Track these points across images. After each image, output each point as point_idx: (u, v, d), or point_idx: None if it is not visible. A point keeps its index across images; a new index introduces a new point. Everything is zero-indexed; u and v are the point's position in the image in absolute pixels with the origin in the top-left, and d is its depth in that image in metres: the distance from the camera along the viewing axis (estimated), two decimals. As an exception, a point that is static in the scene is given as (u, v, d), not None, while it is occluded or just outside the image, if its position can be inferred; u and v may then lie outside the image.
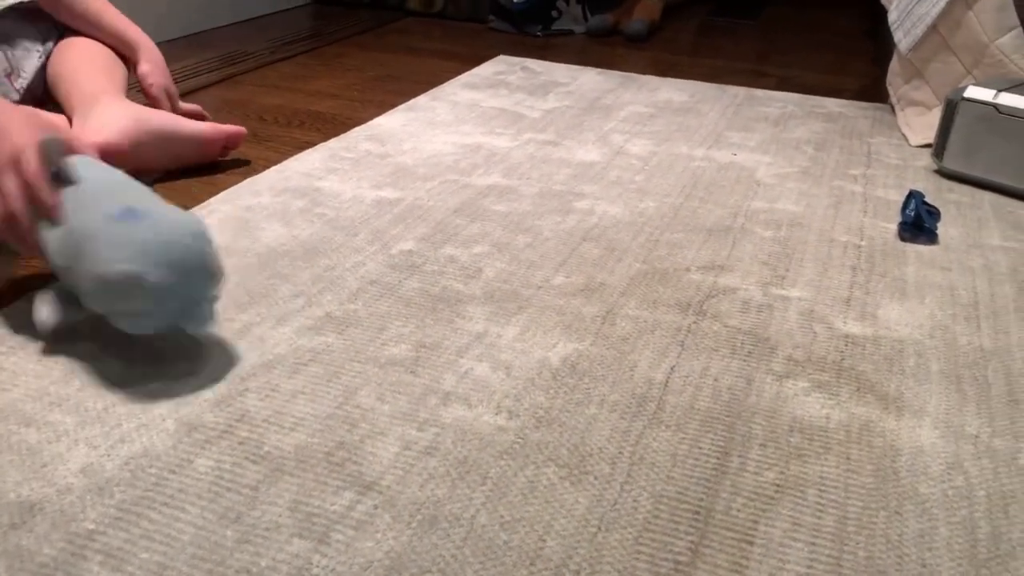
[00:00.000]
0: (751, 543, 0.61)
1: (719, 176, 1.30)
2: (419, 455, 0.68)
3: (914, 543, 0.62)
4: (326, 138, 1.40)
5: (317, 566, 0.58)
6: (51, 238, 0.76)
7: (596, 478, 0.67)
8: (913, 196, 1.14)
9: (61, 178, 0.78)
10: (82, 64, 1.21)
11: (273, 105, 1.59)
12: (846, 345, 0.86)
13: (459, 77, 1.80)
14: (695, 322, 0.90)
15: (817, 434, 0.73)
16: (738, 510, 0.64)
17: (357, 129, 1.45)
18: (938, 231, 1.12)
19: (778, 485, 0.67)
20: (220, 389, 0.75)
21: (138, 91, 1.30)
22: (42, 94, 1.24)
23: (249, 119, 1.50)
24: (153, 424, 0.71)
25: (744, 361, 0.83)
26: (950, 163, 1.31)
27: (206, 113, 1.35)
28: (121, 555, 0.58)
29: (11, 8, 1.22)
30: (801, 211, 1.19)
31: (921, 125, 1.49)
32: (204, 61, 1.87)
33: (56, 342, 0.81)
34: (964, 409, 0.77)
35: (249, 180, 1.21)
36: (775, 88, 1.81)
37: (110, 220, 0.72)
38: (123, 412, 0.72)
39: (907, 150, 1.45)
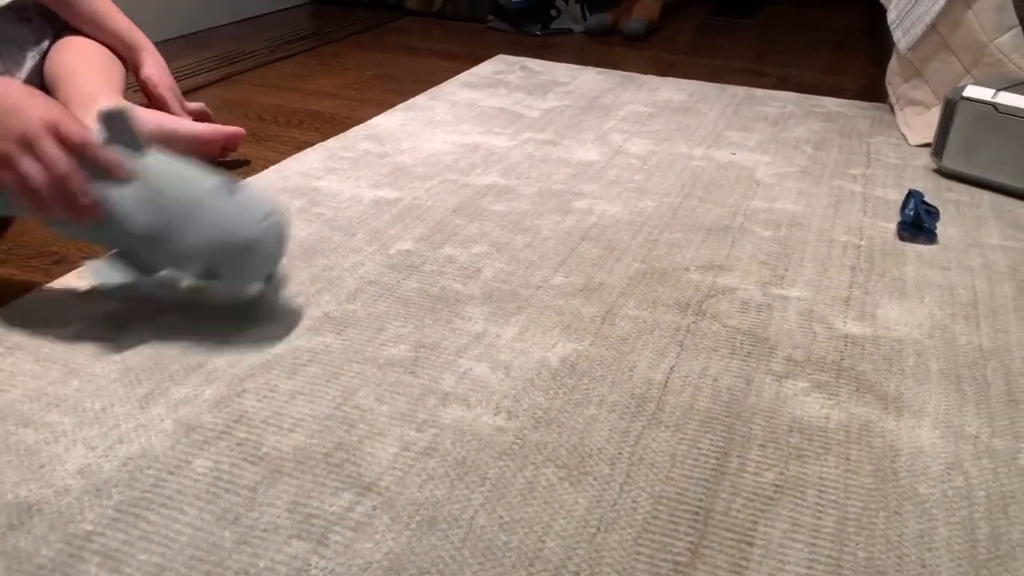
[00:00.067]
0: (751, 544, 0.61)
1: (718, 175, 1.30)
2: (418, 456, 0.68)
3: (914, 543, 0.62)
4: (324, 138, 1.40)
5: (316, 567, 0.58)
6: (128, 200, 0.78)
7: (595, 479, 0.67)
8: (912, 195, 1.14)
9: (126, 146, 0.80)
10: (80, 64, 1.21)
11: (272, 105, 1.59)
12: (845, 345, 0.86)
13: (458, 76, 1.80)
14: (694, 322, 0.89)
15: (817, 434, 0.73)
16: (737, 511, 0.64)
17: (356, 129, 1.45)
18: (937, 230, 1.12)
19: (777, 486, 0.67)
20: (218, 390, 0.75)
21: (135, 91, 1.30)
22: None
23: (248, 119, 1.50)
24: (151, 425, 0.71)
25: (743, 361, 0.83)
26: (949, 162, 1.31)
27: (210, 112, 1.35)
28: (119, 556, 0.58)
29: (6, 7, 1.22)
30: (800, 211, 1.19)
31: (920, 124, 1.49)
32: (203, 60, 1.86)
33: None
34: (964, 409, 0.77)
35: (248, 180, 1.21)
36: (774, 87, 1.81)
37: (213, 190, 0.80)
38: (121, 413, 0.72)
39: (906, 149, 1.45)
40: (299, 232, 1.06)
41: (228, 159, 1.29)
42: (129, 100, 1.20)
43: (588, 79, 1.82)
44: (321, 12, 2.44)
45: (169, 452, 0.68)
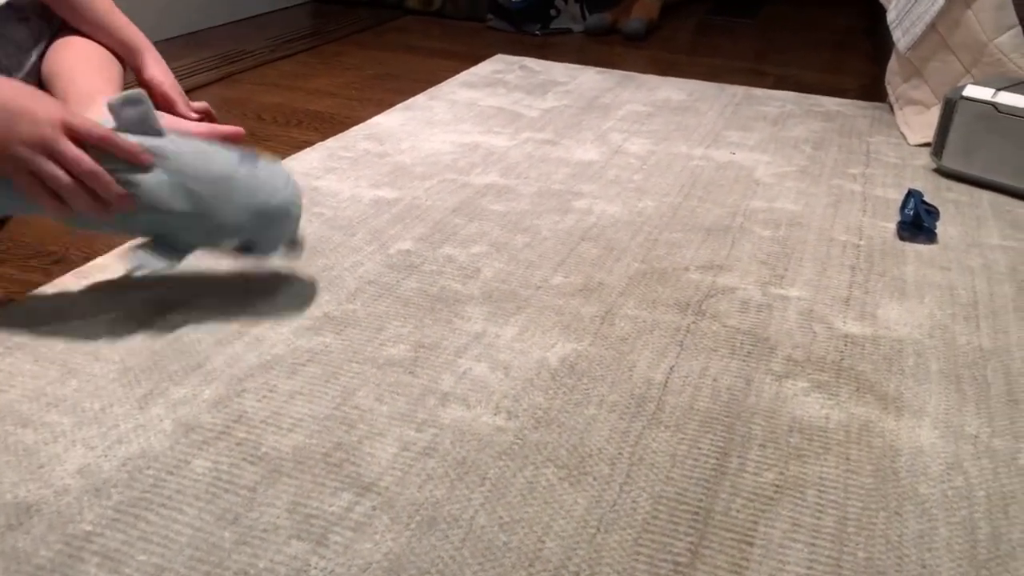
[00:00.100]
0: (751, 544, 0.61)
1: (718, 175, 1.30)
2: (418, 456, 0.68)
3: (914, 544, 0.62)
4: (324, 137, 1.40)
5: (315, 568, 0.58)
6: (160, 185, 0.80)
7: (595, 479, 0.67)
8: (912, 195, 1.14)
9: (143, 132, 0.82)
10: (78, 63, 1.21)
11: (272, 104, 1.59)
12: (845, 345, 0.86)
13: (457, 76, 1.80)
14: (694, 322, 0.89)
15: (816, 434, 0.73)
16: (737, 511, 0.64)
17: (355, 128, 1.45)
18: (937, 230, 1.12)
19: (777, 486, 0.67)
20: (218, 390, 0.75)
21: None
22: None
23: (247, 118, 1.50)
24: (150, 425, 0.71)
25: (743, 361, 0.83)
26: (949, 162, 1.31)
27: (213, 111, 1.35)
28: (118, 557, 0.58)
29: (5, 6, 1.22)
30: (800, 210, 1.18)
31: (920, 124, 1.49)
32: (203, 60, 1.86)
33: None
34: (964, 409, 0.77)
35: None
36: (773, 87, 1.81)
37: (237, 164, 0.83)
38: (120, 413, 0.72)
39: (906, 149, 1.44)
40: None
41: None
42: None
43: (587, 79, 1.82)
44: (321, 11, 2.44)
45: (168, 452, 0.68)
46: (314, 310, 0.88)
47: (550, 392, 0.77)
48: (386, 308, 0.90)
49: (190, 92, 1.61)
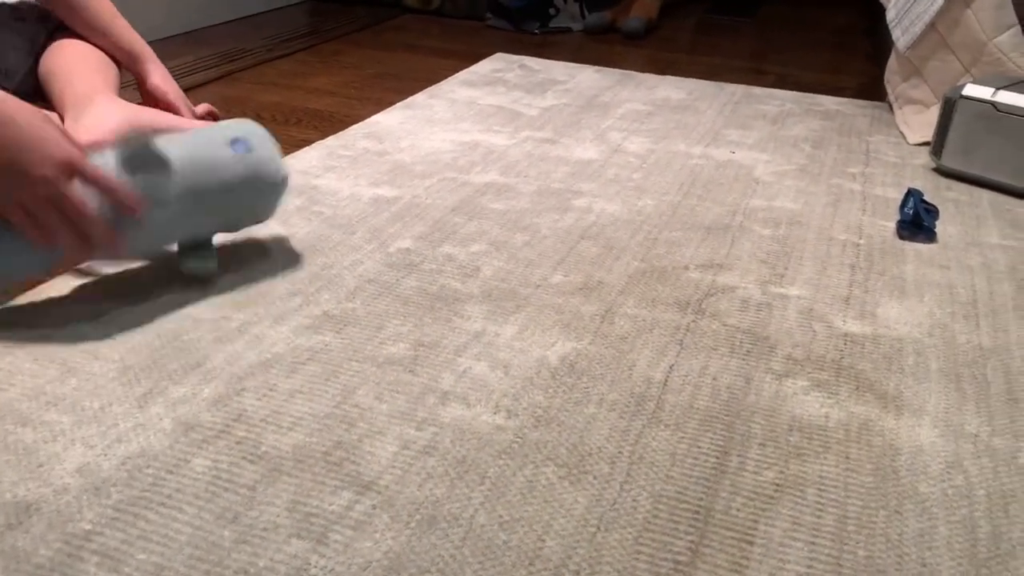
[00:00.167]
0: (751, 543, 0.61)
1: (717, 174, 1.30)
2: (417, 454, 0.68)
3: (914, 542, 0.62)
4: (324, 136, 1.40)
5: (315, 566, 0.58)
6: (153, 226, 0.84)
7: (595, 477, 0.67)
8: (912, 194, 1.14)
9: (148, 164, 0.85)
10: (76, 65, 1.21)
11: (271, 103, 1.59)
12: (845, 344, 0.86)
13: (457, 75, 1.80)
14: (694, 321, 0.89)
15: (816, 433, 0.73)
16: (738, 509, 0.64)
17: (355, 127, 1.44)
18: (937, 229, 1.12)
19: (778, 484, 0.67)
20: (217, 388, 0.75)
21: (129, 87, 1.30)
22: (32, 93, 1.23)
23: (247, 116, 1.50)
24: (150, 424, 0.70)
25: (743, 360, 0.83)
26: (948, 161, 1.31)
27: (217, 112, 1.35)
28: (118, 556, 0.58)
29: (3, 6, 1.22)
30: (800, 209, 1.18)
31: (919, 123, 1.49)
32: (202, 58, 1.86)
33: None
34: (963, 408, 0.77)
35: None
36: (773, 86, 1.81)
37: (234, 161, 0.89)
38: (120, 411, 0.72)
39: (905, 148, 1.44)
40: (298, 230, 1.06)
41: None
42: (125, 99, 1.20)
43: (587, 77, 1.82)
44: (320, 10, 2.44)
45: (168, 451, 0.68)
46: (314, 309, 0.88)
47: (550, 391, 0.77)
48: (386, 307, 0.90)
49: (190, 90, 1.61)
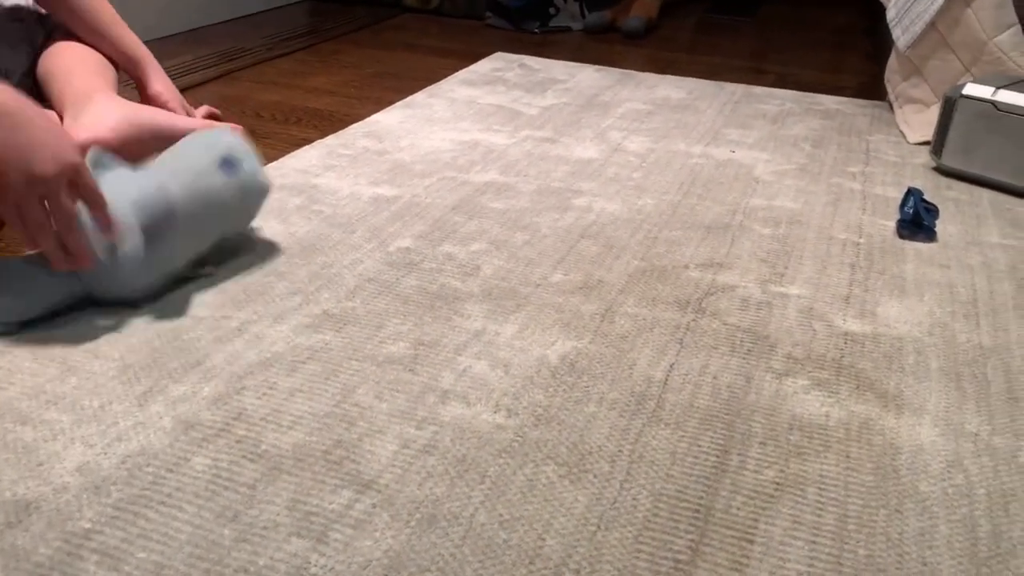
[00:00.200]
0: (751, 541, 0.61)
1: (717, 173, 1.30)
2: (417, 453, 0.68)
3: (914, 541, 0.62)
4: (323, 135, 1.40)
5: (315, 565, 0.57)
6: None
7: (595, 476, 0.67)
8: (912, 193, 1.14)
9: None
10: (75, 65, 1.21)
11: (270, 102, 1.59)
12: (845, 343, 0.86)
13: (456, 74, 1.79)
14: (694, 320, 0.89)
15: (817, 432, 0.73)
16: (738, 508, 0.64)
17: (354, 126, 1.44)
18: (937, 228, 1.12)
19: (778, 483, 0.67)
20: (217, 387, 0.75)
21: (126, 86, 1.30)
22: (29, 93, 1.23)
23: (246, 115, 1.50)
24: (150, 422, 0.70)
25: (743, 359, 0.83)
26: (948, 160, 1.31)
27: (218, 112, 1.35)
28: (118, 554, 0.58)
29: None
30: (800, 208, 1.18)
31: (919, 122, 1.49)
32: (201, 57, 1.86)
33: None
34: (964, 407, 0.77)
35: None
36: (773, 85, 1.81)
37: (224, 187, 0.91)
38: (119, 410, 0.72)
39: (905, 147, 1.44)
40: (298, 229, 1.06)
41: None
42: (123, 97, 1.19)
43: (586, 77, 1.82)
44: (319, 9, 2.44)
45: (168, 450, 0.67)
46: (313, 307, 0.88)
47: (550, 390, 0.77)
48: (386, 306, 0.89)
49: (189, 90, 1.61)
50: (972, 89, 1.27)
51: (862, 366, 0.82)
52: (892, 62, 1.60)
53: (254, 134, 1.40)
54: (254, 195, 0.96)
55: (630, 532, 0.61)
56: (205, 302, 0.88)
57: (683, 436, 0.72)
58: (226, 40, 2.02)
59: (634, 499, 0.65)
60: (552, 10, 2.27)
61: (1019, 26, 1.33)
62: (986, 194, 1.26)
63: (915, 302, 0.95)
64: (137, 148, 1.16)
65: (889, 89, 1.62)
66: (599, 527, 0.62)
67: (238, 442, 0.69)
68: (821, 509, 0.64)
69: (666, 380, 0.79)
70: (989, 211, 1.20)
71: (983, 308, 0.94)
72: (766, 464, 0.69)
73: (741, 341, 0.86)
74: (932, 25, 1.43)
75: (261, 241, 1.02)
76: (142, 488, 0.63)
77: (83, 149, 0.91)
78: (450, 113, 1.53)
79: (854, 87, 1.83)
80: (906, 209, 1.12)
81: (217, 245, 0.98)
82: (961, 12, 1.38)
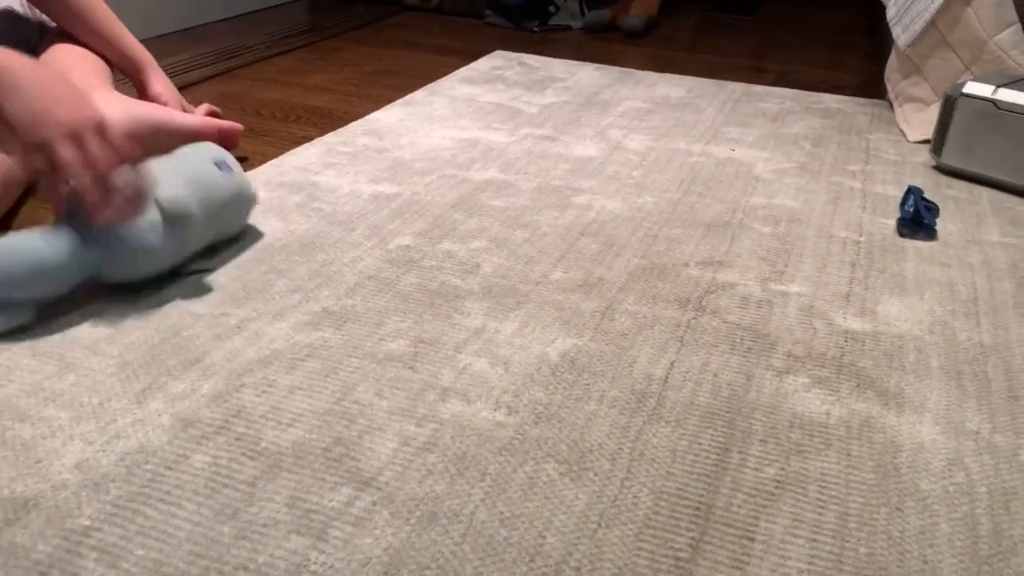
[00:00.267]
0: (752, 539, 0.61)
1: (717, 172, 1.30)
2: (417, 451, 0.68)
3: (915, 539, 0.62)
4: (323, 133, 1.40)
5: (315, 563, 0.57)
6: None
7: (596, 474, 0.66)
8: (912, 192, 1.14)
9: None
10: (72, 65, 1.21)
11: (270, 99, 1.59)
12: (846, 341, 0.86)
13: (456, 72, 1.79)
14: (694, 318, 0.89)
15: (817, 430, 0.73)
16: (739, 506, 0.64)
17: (354, 124, 1.44)
18: (937, 227, 1.12)
19: (779, 481, 0.67)
20: (217, 384, 0.75)
21: (123, 84, 1.29)
22: None
23: (246, 113, 1.50)
24: (149, 420, 0.70)
25: (744, 357, 0.83)
26: (948, 159, 1.31)
27: (219, 110, 1.35)
28: (117, 552, 0.58)
29: None
30: (800, 207, 1.18)
31: (919, 121, 1.49)
32: (200, 55, 1.86)
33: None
34: (964, 405, 0.77)
35: (246, 175, 1.21)
36: (773, 84, 1.81)
37: (229, 184, 0.95)
38: (118, 407, 0.71)
39: (905, 146, 1.44)
40: (297, 227, 1.05)
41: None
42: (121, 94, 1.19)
43: (586, 75, 1.81)
44: (319, 7, 2.44)
45: (167, 447, 0.67)
46: (313, 305, 0.88)
47: (550, 387, 0.77)
48: (385, 303, 0.89)
49: (188, 87, 1.61)
50: (972, 88, 1.27)
51: (863, 364, 0.82)
52: (892, 61, 1.60)
53: (253, 132, 1.40)
54: (246, 198, 0.99)
55: (631, 530, 0.61)
56: (204, 299, 0.88)
57: (684, 434, 0.72)
58: (225, 38, 2.02)
59: (635, 497, 0.64)
60: (552, 8, 2.27)
61: (1019, 25, 1.33)
62: (986, 192, 1.26)
63: (915, 300, 0.94)
64: (137, 145, 1.15)
65: (889, 88, 1.62)
66: (600, 525, 0.62)
67: (237, 439, 0.68)
68: (822, 507, 0.64)
69: (666, 378, 0.79)
70: (989, 210, 1.20)
71: (983, 306, 0.94)
72: (767, 462, 0.69)
73: (741, 339, 0.86)
74: (932, 24, 1.43)
75: (260, 239, 1.02)
76: (141, 485, 0.63)
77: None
78: (450, 111, 1.53)
79: (854, 86, 1.83)
80: (906, 207, 1.12)
81: (214, 245, 0.98)
82: (961, 11, 1.38)
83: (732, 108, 1.62)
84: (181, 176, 0.90)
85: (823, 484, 0.67)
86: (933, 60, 1.46)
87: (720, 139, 1.44)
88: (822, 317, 0.90)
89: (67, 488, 0.63)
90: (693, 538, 0.61)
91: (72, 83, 0.85)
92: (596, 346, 0.83)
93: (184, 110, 1.28)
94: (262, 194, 1.14)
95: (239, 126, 1.28)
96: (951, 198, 1.23)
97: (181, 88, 1.39)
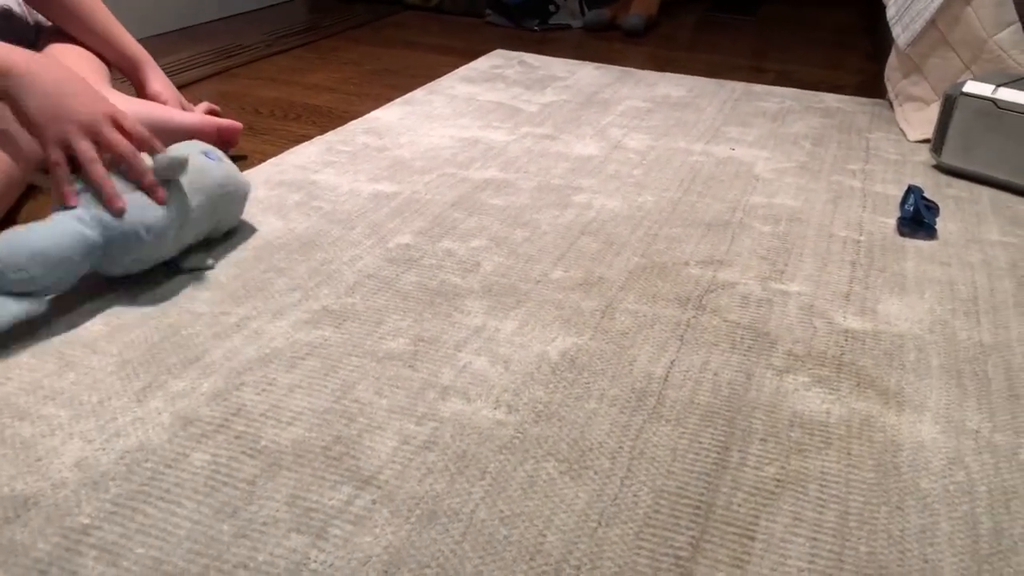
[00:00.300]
0: (752, 538, 0.61)
1: (717, 171, 1.30)
2: (417, 449, 0.68)
3: (916, 538, 0.62)
4: (323, 131, 1.39)
5: (315, 561, 0.57)
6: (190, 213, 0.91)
7: (596, 473, 0.66)
8: (912, 191, 1.14)
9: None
10: (71, 64, 1.21)
11: (269, 98, 1.59)
12: (846, 340, 0.86)
13: (456, 71, 1.79)
14: (694, 316, 0.89)
15: (818, 429, 0.73)
16: (739, 505, 0.64)
17: (354, 122, 1.44)
18: (937, 226, 1.11)
19: (779, 480, 0.67)
20: (216, 383, 0.75)
21: (120, 81, 1.29)
22: None
23: (245, 112, 1.50)
24: (149, 418, 0.70)
25: (744, 356, 0.83)
26: (948, 158, 1.31)
27: (218, 108, 1.35)
28: (116, 550, 0.57)
29: None
30: (800, 206, 1.18)
31: (919, 120, 1.49)
32: (199, 54, 1.86)
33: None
34: (965, 404, 0.77)
35: (245, 173, 1.21)
36: (773, 83, 1.81)
37: (216, 169, 0.95)
38: (118, 406, 0.71)
39: (905, 145, 1.44)
40: (297, 225, 1.05)
41: (227, 155, 1.28)
42: (121, 92, 1.19)
43: (586, 74, 1.81)
44: (318, 6, 2.43)
45: (167, 445, 0.67)
46: (313, 304, 0.88)
47: (550, 386, 0.77)
48: (385, 302, 0.89)
49: (187, 86, 1.61)
50: (972, 87, 1.27)
51: (863, 363, 0.82)
52: (892, 60, 1.60)
53: (253, 130, 1.40)
54: (240, 185, 0.99)
55: (631, 528, 0.61)
56: (204, 298, 0.88)
57: (684, 433, 0.71)
58: (225, 36, 2.02)
59: (635, 495, 0.64)
60: (552, 8, 2.27)
61: (1019, 24, 1.33)
62: (986, 192, 1.26)
63: (915, 299, 0.94)
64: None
65: (889, 87, 1.62)
66: (600, 523, 0.62)
67: (237, 438, 0.68)
68: (822, 506, 0.64)
69: (667, 377, 0.79)
70: (989, 209, 1.20)
71: (983, 305, 0.94)
72: (767, 461, 0.69)
73: (741, 338, 0.86)
74: (932, 23, 1.43)
75: (260, 237, 1.02)
76: (141, 484, 0.63)
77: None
78: (450, 110, 1.53)
79: (854, 85, 1.83)
80: (906, 207, 1.12)
81: (213, 240, 0.98)
82: (961, 10, 1.38)
83: (732, 107, 1.62)
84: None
85: (823, 483, 0.66)
86: (933, 59, 1.46)
87: (720, 138, 1.44)
88: (822, 316, 0.90)
89: (67, 486, 0.63)
90: (693, 537, 0.61)
91: (83, 78, 0.87)
92: (596, 345, 0.83)
93: (183, 109, 1.27)
94: (262, 192, 1.14)
95: (238, 124, 1.28)
96: (951, 197, 1.23)
97: (180, 87, 1.39)
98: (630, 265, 0.99)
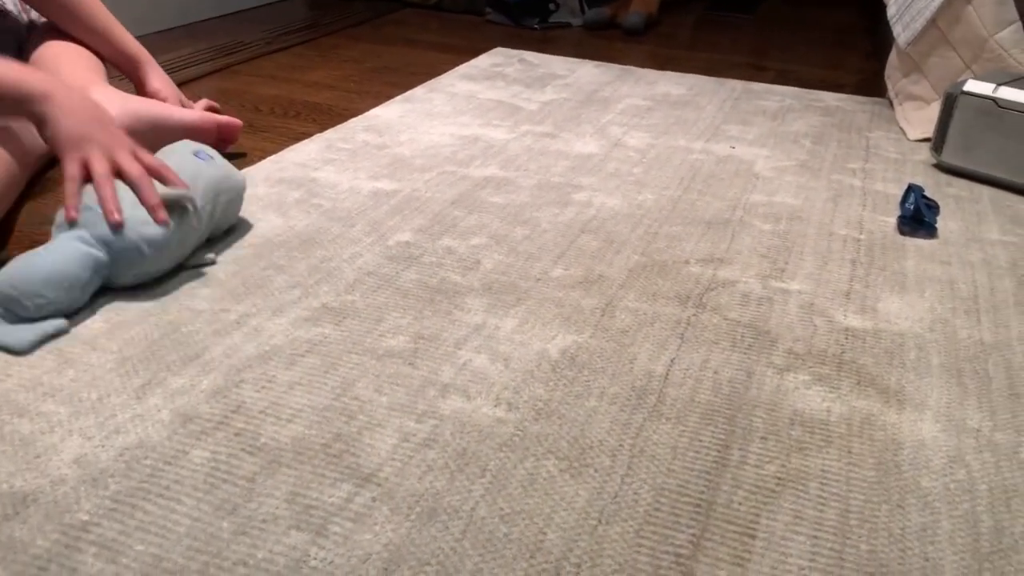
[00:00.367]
0: (753, 536, 0.61)
1: (717, 169, 1.30)
2: (417, 447, 0.68)
3: (917, 537, 0.62)
4: (323, 129, 1.39)
5: (315, 558, 0.57)
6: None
7: (596, 471, 0.66)
8: (912, 190, 1.14)
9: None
10: (69, 62, 1.21)
11: (269, 96, 1.58)
12: (846, 338, 0.86)
13: (456, 69, 1.79)
14: (695, 315, 0.89)
15: (818, 427, 0.73)
16: (739, 503, 0.64)
17: (354, 120, 1.44)
18: (937, 225, 1.11)
19: (779, 478, 0.67)
20: (216, 380, 0.75)
21: (118, 79, 1.29)
22: None
23: (245, 109, 1.49)
24: (148, 415, 0.70)
25: (744, 354, 0.82)
26: (949, 157, 1.31)
27: (217, 105, 1.35)
28: (116, 547, 0.57)
29: None
30: (800, 204, 1.18)
31: (920, 119, 1.48)
32: (199, 51, 1.85)
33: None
34: (965, 403, 0.77)
35: (245, 170, 1.20)
36: (773, 82, 1.81)
37: (216, 172, 0.96)
38: (117, 403, 0.71)
39: (906, 144, 1.44)
40: (297, 223, 1.05)
41: (227, 152, 1.28)
42: (118, 90, 1.19)
43: (586, 72, 1.81)
44: (319, 3, 2.43)
45: (166, 442, 0.67)
46: (312, 301, 0.88)
47: (551, 384, 0.76)
48: (385, 299, 0.89)
49: (187, 83, 1.60)
50: (973, 86, 1.27)
51: (863, 362, 0.82)
52: (892, 59, 1.60)
53: (253, 128, 1.40)
54: (236, 182, 0.99)
55: (631, 526, 0.61)
56: (204, 295, 0.88)
57: (684, 431, 0.71)
58: (225, 34, 2.01)
59: (635, 493, 0.64)
60: (552, 6, 2.27)
61: (1020, 23, 1.33)
62: (986, 191, 1.25)
63: (916, 298, 0.94)
64: (136, 139, 1.15)
65: (889, 86, 1.62)
66: (600, 521, 0.61)
67: (237, 435, 0.68)
68: (823, 504, 0.64)
69: (667, 375, 0.79)
70: (989, 208, 1.20)
71: (984, 304, 0.94)
72: (767, 459, 0.69)
73: (742, 336, 0.85)
74: (933, 22, 1.43)
75: (260, 234, 1.02)
76: (140, 480, 0.63)
77: None
78: (450, 108, 1.52)
79: (854, 84, 1.83)
80: (907, 205, 1.12)
81: (213, 237, 0.98)
82: (962, 9, 1.38)
83: (732, 106, 1.62)
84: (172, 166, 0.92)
85: (824, 481, 0.66)
86: (933, 58, 1.46)
87: (720, 137, 1.44)
88: (823, 314, 0.90)
89: (66, 483, 0.63)
90: (694, 535, 0.61)
91: (102, 107, 0.95)
92: (596, 343, 0.83)
93: (183, 106, 1.27)
94: (261, 190, 1.14)
95: (238, 121, 1.28)
96: (951, 196, 1.23)
97: (180, 84, 1.38)
98: (630, 263, 0.99)
